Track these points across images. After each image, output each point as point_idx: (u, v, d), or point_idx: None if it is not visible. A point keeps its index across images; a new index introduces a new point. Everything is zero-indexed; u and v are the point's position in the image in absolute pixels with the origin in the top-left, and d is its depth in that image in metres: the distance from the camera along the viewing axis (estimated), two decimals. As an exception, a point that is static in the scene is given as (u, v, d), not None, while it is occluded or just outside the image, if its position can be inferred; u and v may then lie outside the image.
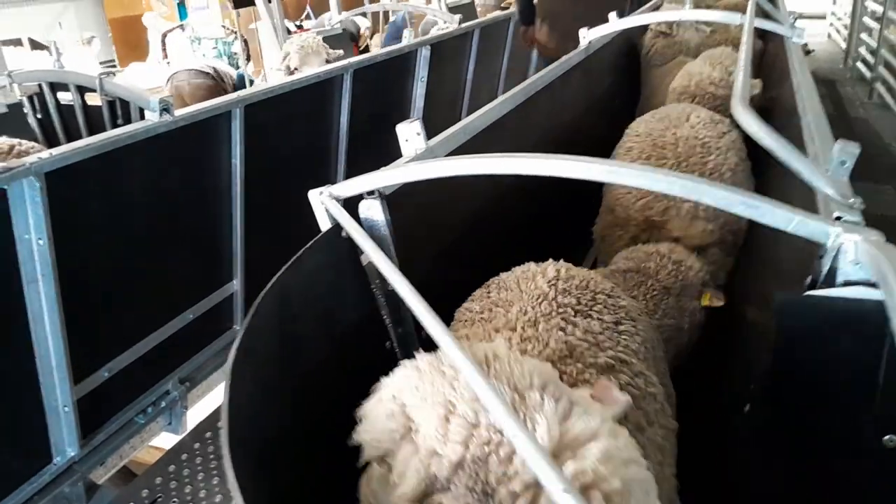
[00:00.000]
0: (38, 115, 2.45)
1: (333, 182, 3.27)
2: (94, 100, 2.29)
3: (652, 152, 2.09)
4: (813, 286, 1.07)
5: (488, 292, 1.24)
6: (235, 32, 14.37)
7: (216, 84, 5.44)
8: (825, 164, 1.23)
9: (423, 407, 0.78)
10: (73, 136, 2.46)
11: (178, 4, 14.06)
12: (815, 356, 1.06)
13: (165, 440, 2.70)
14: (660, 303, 1.67)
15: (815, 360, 1.06)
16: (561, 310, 1.11)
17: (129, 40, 15.59)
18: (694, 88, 2.65)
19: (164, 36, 6.16)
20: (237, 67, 14.34)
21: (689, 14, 2.66)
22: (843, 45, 9.69)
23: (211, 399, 2.86)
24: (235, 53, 14.17)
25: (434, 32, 4.77)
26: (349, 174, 3.34)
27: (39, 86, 2.36)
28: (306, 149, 3.06)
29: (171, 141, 2.17)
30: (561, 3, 4.16)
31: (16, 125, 2.60)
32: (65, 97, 2.35)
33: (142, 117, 2.27)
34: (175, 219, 2.34)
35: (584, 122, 2.92)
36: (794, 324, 1.07)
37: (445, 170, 1.28)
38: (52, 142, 2.43)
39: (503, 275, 1.31)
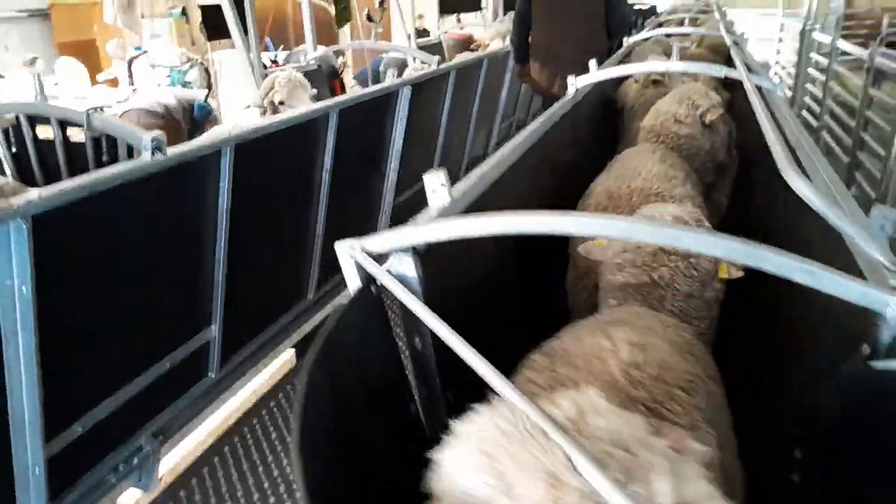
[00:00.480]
0: (13, 149, 2.30)
1: (315, 224, 3.19)
2: (75, 135, 2.17)
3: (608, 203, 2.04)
4: (871, 356, 1.05)
5: (552, 365, 1.17)
6: (192, 60, 14.19)
7: (167, 122, 5.27)
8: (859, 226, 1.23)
9: (521, 474, 0.74)
10: (50, 172, 2.32)
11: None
12: (880, 430, 1.04)
13: (132, 496, 2.52)
14: (691, 311, 1.55)
15: (880, 435, 1.04)
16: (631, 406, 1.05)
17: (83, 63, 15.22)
18: (659, 128, 2.62)
19: (130, 63, 5.97)
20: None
21: (677, 66, 2.71)
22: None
23: (182, 452, 2.70)
24: (189, 82, 13.97)
25: (409, 73, 4.79)
26: (332, 215, 3.28)
27: (17, 118, 2.22)
28: (291, 189, 2.98)
29: (160, 181, 2.06)
30: (551, 44, 4.53)
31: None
32: (43, 130, 2.23)
33: (129, 155, 2.16)
34: (158, 261, 2.22)
35: (573, 169, 2.93)
36: (858, 396, 1.04)
37: (488, 227, 1.23)
38: (25, 178, 2.28)
39: (568, 341, 1.24)
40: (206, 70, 5.93)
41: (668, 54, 4.39)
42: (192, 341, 2.52)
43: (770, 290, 1.71)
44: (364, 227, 3.91)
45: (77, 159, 2.22)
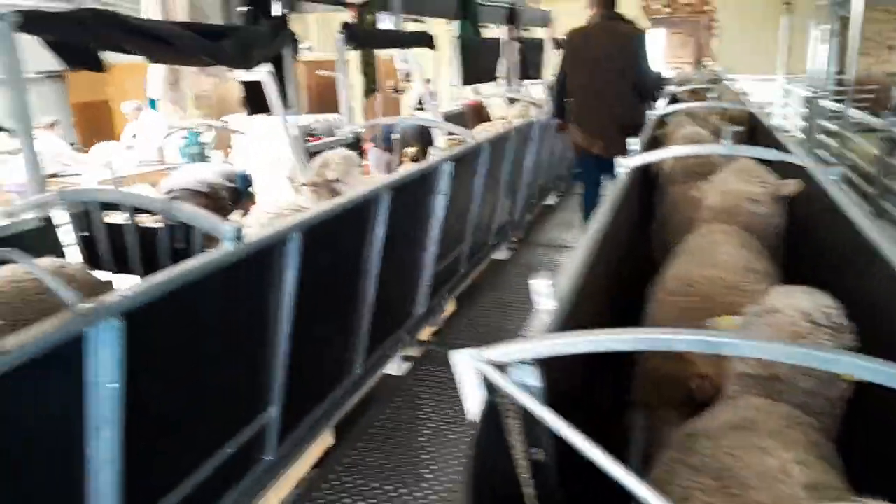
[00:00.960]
0: (86, 233, 2.32)
1: (365, 297, 3.16)
2: (144, 220, 2.19)
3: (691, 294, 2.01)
4: None
5: (721, 481, 1.15)
6: (210, 125, 14.46)
7: (212, 202, 5.30)
8: None
9: None
10: (120, 257, 2.33)
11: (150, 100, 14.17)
12: None
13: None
14: (812, 407, 1.46)
15: None
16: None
17: (92, 124, 15.48)
18: (733, 208, 2.62)
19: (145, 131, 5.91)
20: (203, 159, 14.31)
21: (736, 149, 2.72)
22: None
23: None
24: (204, 143, 14.17)
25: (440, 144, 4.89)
26: (381, 300, 3.27)
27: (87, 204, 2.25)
28: (346, 266, 3.00)
29: (238, 268, 2.07)
30: (587, 108, 5.08)
31: (46, 241, 2.46)
32: (110, 215, 2.25)
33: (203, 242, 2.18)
34: (230, 346, 2.22)
35: (628, 241, 2.96)
36: None
37: (617, 343, 1.23)
38: (94, 261, 2.29)
39: (719, 454, 1.23)
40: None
41: (700, 125, 4.55)
42: (253, 423, 2.49)
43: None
44: (406, 296, 3.92)
45: (148, 244, 2.24)
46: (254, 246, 2.10)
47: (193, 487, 2.21)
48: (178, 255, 2.21)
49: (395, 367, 3.94)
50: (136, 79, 2.47)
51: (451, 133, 5.82)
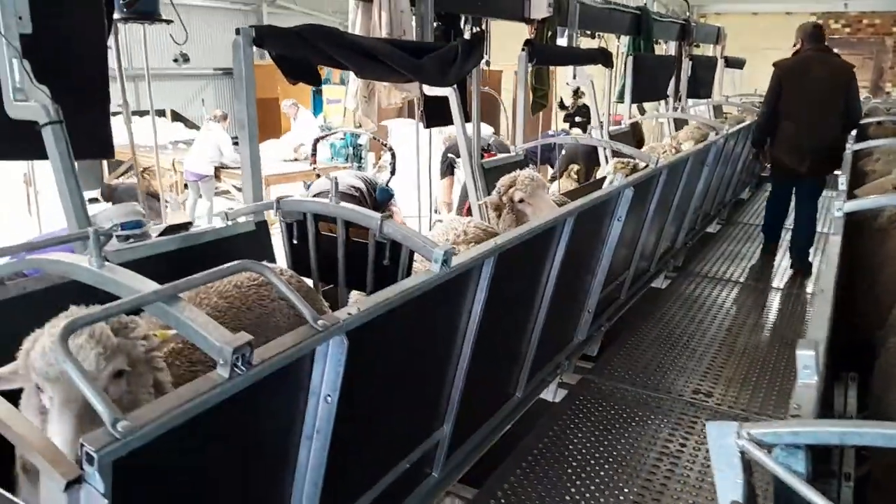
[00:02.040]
0: (295, 241, 2.44)
1: (535, 322, 3.07)
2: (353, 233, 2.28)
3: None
4: None
5: None
6: (372, 136, 15.05)
7: (362, 204, 5.50)
8: None
9: None
10: (324, 269, 2.43)
11: (314, 94, 14.94)
12: None
13: None
14: None
15: None
16: None
17: (262, 119, 16.60)
18: None
19: (316, 142, 6.19)
20: (359, 160, 14.90)
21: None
22: None
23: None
24: (361, 145, 14.79)
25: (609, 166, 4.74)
26: (548, 324, 3.20)
27: (304, 214, 2.36)
28: (522, 290, 2.96)
29: (440, 289, 2.08)
30: (797, 132, 5.66)
31: (257, 244, 2.61)
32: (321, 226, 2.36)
33: (409, 260, 2.21)
34: (422, 364, 2.24)
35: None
36: None
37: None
38: (299, 269, 2.40)
39: None
40: (393, 153, 5.99)
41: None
42: (429, 439, 2.51)
43: None
44: (570, 322, 3.84)
45: (354, 256, 2.31)
46: (455, 270, 2.10)
47: (371, 500, 2.25)
48: (380, 270, 2.26)
49: (550, 392, 3.86)
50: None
51: (616, 153, 5.67)
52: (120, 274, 1.48)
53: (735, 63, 11.03)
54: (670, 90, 8.06)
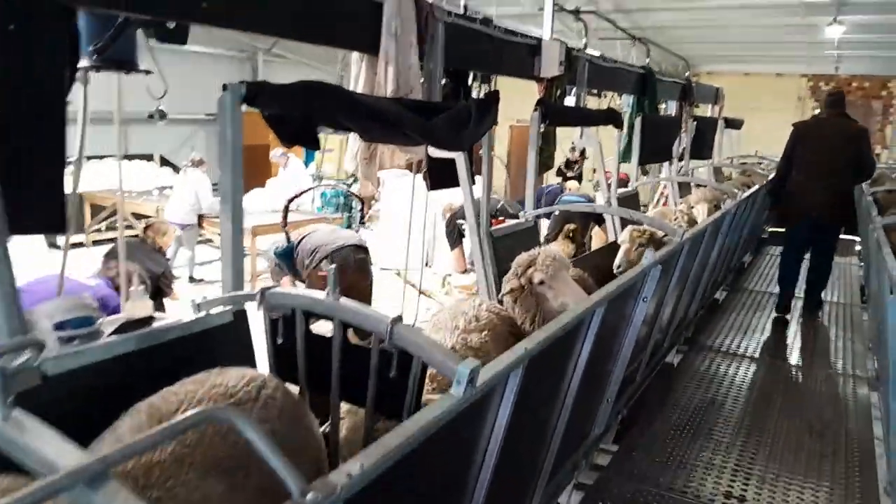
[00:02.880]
0: (280, 340, 2.02)
1: (551, 436, 2.61)
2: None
3: None
4: None
5: None
6: (355, 175, 14.70)
7: (369, 258, 5.17)
8: None
9: None
10: (315, 375, 2.00)
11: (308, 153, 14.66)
12: None
13: None
14: None
15: None
16: None
17: (250, 167, 16.26)
18: None
19: (289, 202, 5.70)
20: (350, 209, 14.55)
21: None
22: None
23: None
24: (350, 195, 14.44)
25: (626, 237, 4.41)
26: (569, 428, 2.78)
27: (293, 310, 1.95)
28: (545, 396, 2.55)
29: (464, 414, 1.66)
30: (811, 183, 6.11)
31: (235, 339, 2.18)
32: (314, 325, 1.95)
33: (423, 374, 1.79)
34: (429, 495, 1.81)
35: None
36: None
37: None
38: (283, 374, 1.97)
39: None
40: (363, 202, 5.62)
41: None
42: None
43: None
44: (589, 414, 3.42)
45: (353, 363, 1.89)
46: (481, 390, 1.69)
47: None
48: (384, 382, 1.83)
49: (565, 495, 3.41)
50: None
51: (624, 219, 5.33)
52: (30, 432, 1.05)
53: (734, 124, 10.90)
54: (674, 151, 7.80)
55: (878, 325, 4.20)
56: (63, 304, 1.90)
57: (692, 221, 5.82)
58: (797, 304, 6.80)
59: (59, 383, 1.71)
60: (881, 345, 3.33)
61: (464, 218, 6.73)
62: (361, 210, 5.21)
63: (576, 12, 7.31)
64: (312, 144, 2.41)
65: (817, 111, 18.26)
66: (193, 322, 2.05)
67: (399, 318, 1.74)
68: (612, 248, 5.42)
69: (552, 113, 4.28)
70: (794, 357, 5.76)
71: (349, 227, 13.98)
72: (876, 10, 11.82)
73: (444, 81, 3.86)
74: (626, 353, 3.43)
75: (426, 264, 11.79)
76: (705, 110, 11.34)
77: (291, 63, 18.03)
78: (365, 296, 5.13)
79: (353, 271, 5.01)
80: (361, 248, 5.15)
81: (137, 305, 1.97)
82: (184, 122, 15.46)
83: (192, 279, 9.46)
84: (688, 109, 9.43)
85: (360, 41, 3.40)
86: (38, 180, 1.98)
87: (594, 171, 8.02)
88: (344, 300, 1.83)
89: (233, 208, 2.16)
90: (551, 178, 11.79)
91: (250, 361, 2.16)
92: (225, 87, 2.10)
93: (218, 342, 2.10)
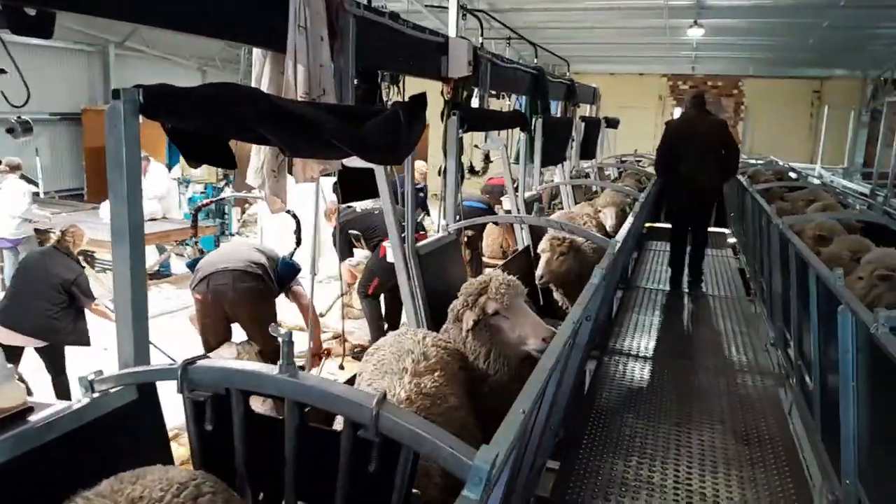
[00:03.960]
0: (209, 426, 1.54)
1: None
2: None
3: None
4: None
5: None
6: (227, 177, 13.75)
7: (265, 286, 4.51)
8: None
9: None
10: (257, 470, 1.54)
11: (170, 143, 13.44)
12: None
13: None
14: None
15: None
16: None
17: (99, 170, 14.81)
18: None
19: (197, 212, 5.27)
20: (222, 216, 13.56)
21: None
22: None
23: None
24: (224, 199, 13.48)
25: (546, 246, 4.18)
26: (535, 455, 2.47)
27: (227, 389, 1.48)
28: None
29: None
30: (688, 174, 6.89)
31: (142, 422, 1.67)
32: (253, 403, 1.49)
33: (413, 467, 1.39)
34: None
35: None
36: None
37: None
38: (214, 467, 1.49)
39: None
40: (298, 221, 5.04)
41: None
42: None
43: None
44: (544, 440, 3.15)
45: (312, 451, 1.45)
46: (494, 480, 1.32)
47: None
48: (360, 478, 1.41)
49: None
50: (149, 127, 1.81)
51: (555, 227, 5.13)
52: None
53: (612, 123, 11.18)
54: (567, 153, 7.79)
55: (795, 328, 4.24)
56: None
57: (600, 225, 5.75)
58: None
59: None
60: (818, 353, 3.30)
61: (356, 228, 6.30)
62: (297, 231, 4.64)
63: (466, 10, 7.06)
64: (227, 163, 1.93)
65: (676, 109, 19.35)
66: (85, 408, 1.52)
67: (384, 398, 1.33)
68: (526, 254, 5.22)
69: (469, 117, 3.97)
70: (700, 357, 5.84)
71: (222, 233, 13.06)
72: (732, 14, 12.60)
73: (355, 82, 3.43)
74: (569, 377, 3.19)
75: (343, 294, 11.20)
76: (584, 110, 11.55)
77: (147, 58, 16.58)
78: (259, 326, 4.54)
79: (233, 303, 4.40)
80: (249, 275, 4.45)
81: (4, 391, 1.42)
82: (24, 122, 13.73)
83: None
84: (571, 109, 9.50)
85: (264, 36, 2.90)
86: None
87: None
88: (305, 376, 1.39)
89: (131, 250, 1.64)
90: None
91: (163, 451, 1.66)
92: (116, 95, 1.58)
93: (120, 430, 1.59)
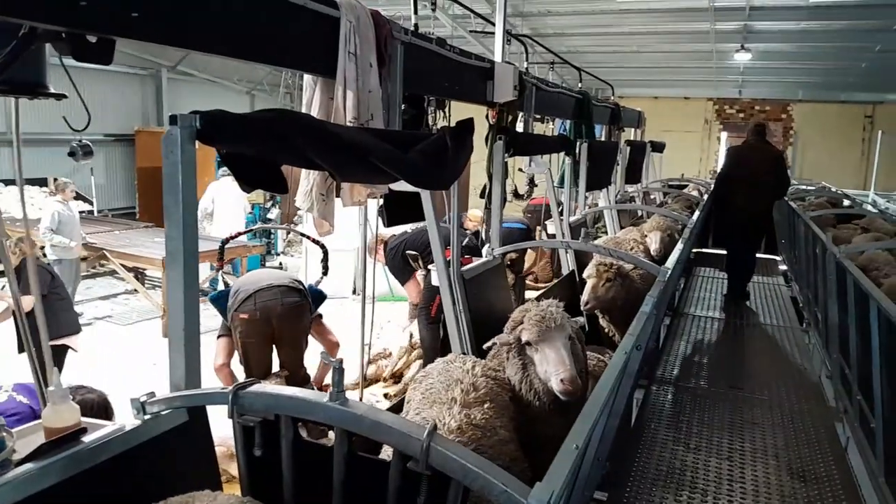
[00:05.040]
0: (258, 451, 1.53)
1: None
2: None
3: None
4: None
5: None
6: (274, 199, 13.91)
7: (306, 303, 4.54)
8: None
9: None
10: (307, 494, 1.52)
11: (218, 164, 13.75)
12: None
13: None
14: None
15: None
16: None
17: (151, 190, 15.26)
18: None
19: (224, 244, 5.18)
20: (269, 236, 13.72)
21: None
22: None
23: None
24: (271, 219, 13.69)
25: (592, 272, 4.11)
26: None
27: (276, 415, 1.47)
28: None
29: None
30: (743, 198, 7.34)
31: (190, 449, 1.67)
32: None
33: (464, 499, 1.35)
34: None
35: None
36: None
37: None
38: (261, 494, 1.48)
39: None
40: (325, 251, 5.01)
41: None
42: None
43: None
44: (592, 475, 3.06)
45: (360, 480, 1.44)
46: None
47: None
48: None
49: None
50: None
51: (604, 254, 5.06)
52: None
53: (657, 147, 11.04)
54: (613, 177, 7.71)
55: (855, 361, 4.08)
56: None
57: (646, 251, 5.64)
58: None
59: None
60: (882, 389, 3.15)
61: (412, 248, 6.24)
62: (325, 261, 4.55)
63: (511, 35, 7.09)
64: (279, 187, 1.94)
65: (723, 133, 19.17)
66: (137, 429, 1.53)
67: (434, 429, 1.30)
68: (571, 280, 5.15)
69: (515, 142, 3.95)
70: (751, 387, 5.64)
71: (268, 253, 13.26)
72: (781, 38, 12.37)
73: (403, 107, 3.45)
74: (619, 408, 3.11)
75: (355, 292, 11.23)
76: (628, 134, 11.45)
77: (198, 81, 17.11)
78: (297, 347, 4.56)
79: (281, 318, 4.40)
80: (294, 290, 4.49)
81: (59, 411, 1.44)
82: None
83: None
84: (616, 133, 9.42)
85: (315, 62, 2.94)
86: None
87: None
88: (355, 404, 1.37)
89: (185, 273, 1.65)
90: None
91: (212, 474, 1.66)
92: (173, 121, 1.61)
93: (170, 452, 1.59)
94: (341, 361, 1.40)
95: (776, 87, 17.38)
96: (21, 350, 4.70)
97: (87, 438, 1.44)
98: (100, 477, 1.44)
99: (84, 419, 1.55)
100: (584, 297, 4.23)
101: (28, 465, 1.32)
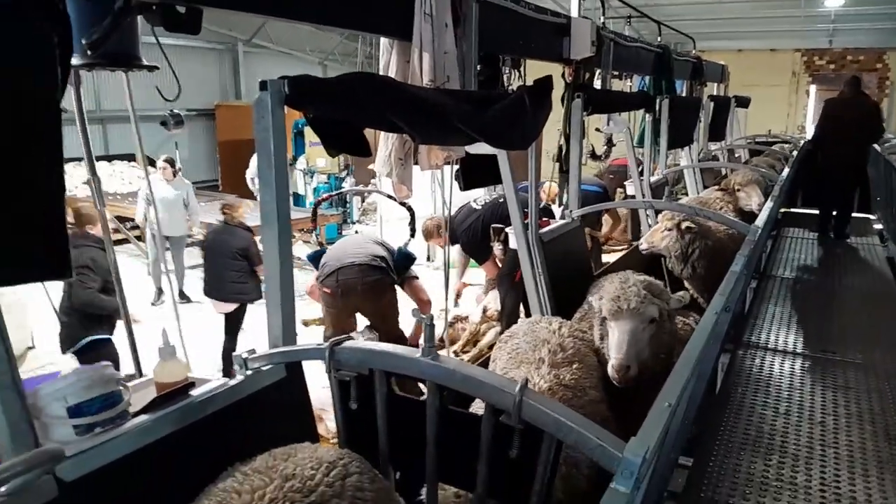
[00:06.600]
0: (353, 405, 1.59)
1: None
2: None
3: None
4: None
5: None
6: (349, 167, 14.09)
7: (389, 279, 4.65)
8: None
9: None
10: (400, 449, 1.57)
11: (295, 136, 14.06)
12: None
13: None
14: None
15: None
16: None
17: (232, 163, 15.77)
18: None
19: (317, 206, 5.51)
20: (345, 204, 13.93)
21: None
22: None
23: None
24: (342, 192, 13.93)
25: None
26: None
27: (370, 370, 1.52)
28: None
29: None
30: (842, 149, 7.57)
31: (289, 402, 1.74)
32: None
33: (556, 456, 1.36)
34: None
35: None
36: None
37: None
38: (357, 446, 1.54)
39: None
40: (412, 212, 5.01)
41: None
42: None
43: None
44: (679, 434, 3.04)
45: (453, 435, 1.47)
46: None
47: None
48: (497, 462, 1.41)
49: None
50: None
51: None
52: None
53: (743, 102, 10.53)
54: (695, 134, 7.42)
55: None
56: (77, 381, 1.45)
57: (736, 209, 5.43)
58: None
59: (81, 490, 1.27)
60: None
61: (496, 220, 6.04)
62: (412, 223, 4.65)
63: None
64: (362, 151, 1.97)
65: (811, 87, 18.23)
66: (238, 385, 1.61)
67: (526, 384, 1.31)
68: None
69: (594, 100, 3.85)
70: (844, 351, 5.40)
71: (344, 222, 13.51)
72: (877, -21, 11.52)
73: (478, 68, 3.42)
74: (706, 370, 3.05)
75: (429, 259, 11.33)
76: (711, 89, 10.96)
77: (272, 54, 17.44)
78: (383, 318, 4.68)
79: (362, 296, 4.57)
80: (374, 269, 4.59)
81: (169, 367, 1.54)
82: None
83: (182, 295, 8.93)
84: (698, 89, 9.04)
85: (391, 25, 2.94)
86: (34, 217, 1.51)
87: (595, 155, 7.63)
88: (446, 359, 1.40)
89: (279, 235, 1.71)
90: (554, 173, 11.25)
91: (310, 427, 1.73)
92: (263, 86, 1.65)
93: (271, 405, 1.67)
94: (432, 318, 1.42)
95: (870, 34, 16.20)
96: (64, 351, 5.03)
97: (195, 392, 1.53)
98: (207, 429, 1.52)
99: (191, 375, 1.64)
100: (642, 239, 4.13)
101: (143, 417, 1.42)
